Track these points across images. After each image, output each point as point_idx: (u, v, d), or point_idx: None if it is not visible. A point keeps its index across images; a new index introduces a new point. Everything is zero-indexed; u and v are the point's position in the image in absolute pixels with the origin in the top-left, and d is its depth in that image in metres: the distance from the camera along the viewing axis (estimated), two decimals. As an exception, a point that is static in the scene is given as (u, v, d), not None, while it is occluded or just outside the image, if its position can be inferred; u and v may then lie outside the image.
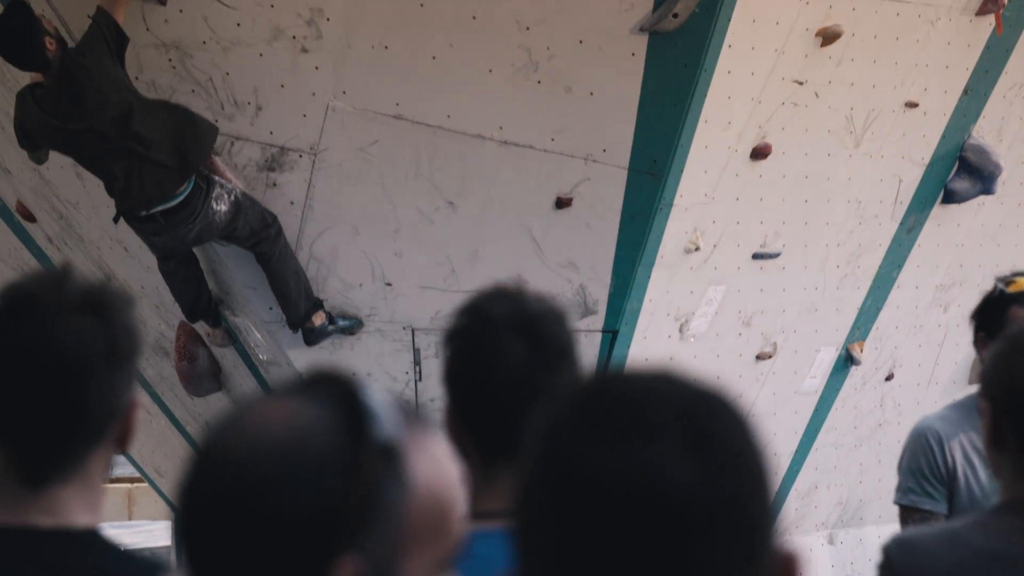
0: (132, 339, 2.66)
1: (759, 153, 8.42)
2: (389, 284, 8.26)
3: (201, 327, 8.85)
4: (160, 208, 7.48)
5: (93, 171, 7.54)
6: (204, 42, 7.67)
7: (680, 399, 1.69)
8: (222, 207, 7.60)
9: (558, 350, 2.88)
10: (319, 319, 8.06)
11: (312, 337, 8.09)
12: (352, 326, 8.22)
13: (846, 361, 9.56)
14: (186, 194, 7.48)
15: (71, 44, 7.27)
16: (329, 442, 1.72)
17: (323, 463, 1.71)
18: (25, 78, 7.67)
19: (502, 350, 2.84)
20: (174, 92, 7.70)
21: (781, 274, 8.95)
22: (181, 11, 7.59)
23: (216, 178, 7.65)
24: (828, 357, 9.46)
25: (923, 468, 4.98)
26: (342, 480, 1.71)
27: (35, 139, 7.51)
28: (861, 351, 9.52)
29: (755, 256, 8.78)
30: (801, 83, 8.35)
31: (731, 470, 1.66)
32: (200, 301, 8.15)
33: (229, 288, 8.33)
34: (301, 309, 8.00)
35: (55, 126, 7.29)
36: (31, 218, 9.32)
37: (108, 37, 7.16)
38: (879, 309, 9.52)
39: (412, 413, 1.79)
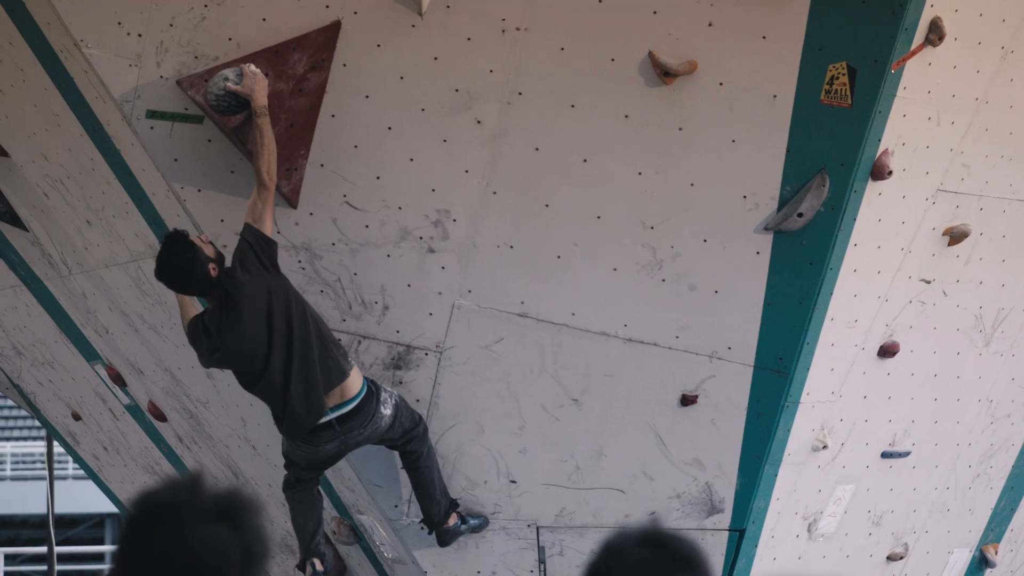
0: (263, 544, 2.70)
1: (887, 351, 8.36)
2: (514, 481, 8.25)
3: (326, 525, 8.87)
4: (336, 414, 7.54)
5: (267, 391, 7.55)
6: (333, 243, 7.82)
7: None
8: (387, 411, 7.68)
9: (679, 556, 3.05)
10: (453, 520, 8.09)
11: (447, 537, 8.09)
12: (481, 525, 8.22)
13: (980, 563, 9.34)
14: (360, 398, 7.56)
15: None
16: None
17: None
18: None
19: (626, 553, 3.04)
20: (304, 293, 7.83)
21: (911, 473, 8.81)
22: (311, 214, 7.75)
23: (381, 383, 7.75)
24: (961, 559, 9.26)
25: None
26: None
27: (209, 362, 7.60)
28: (996, 553, 9.31)
29: (884, 455, 8.66)
30: (928, 281, 8.31)
31: None
32: (317, 536, 8.08)
33: (354, 486, 8.35)
34: (443, 508, 8.02)
35: (217, 346, 7.40)
36: (162, 417, 9.45)
37: (257, 248, 7.27)
38: (1013, 510, 9.32)
39: None
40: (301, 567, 8.17)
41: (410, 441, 7.85)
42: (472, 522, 8.17)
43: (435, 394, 8.08)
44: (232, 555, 2.64)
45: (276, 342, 7.34)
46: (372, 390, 7.63)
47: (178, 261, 7.21)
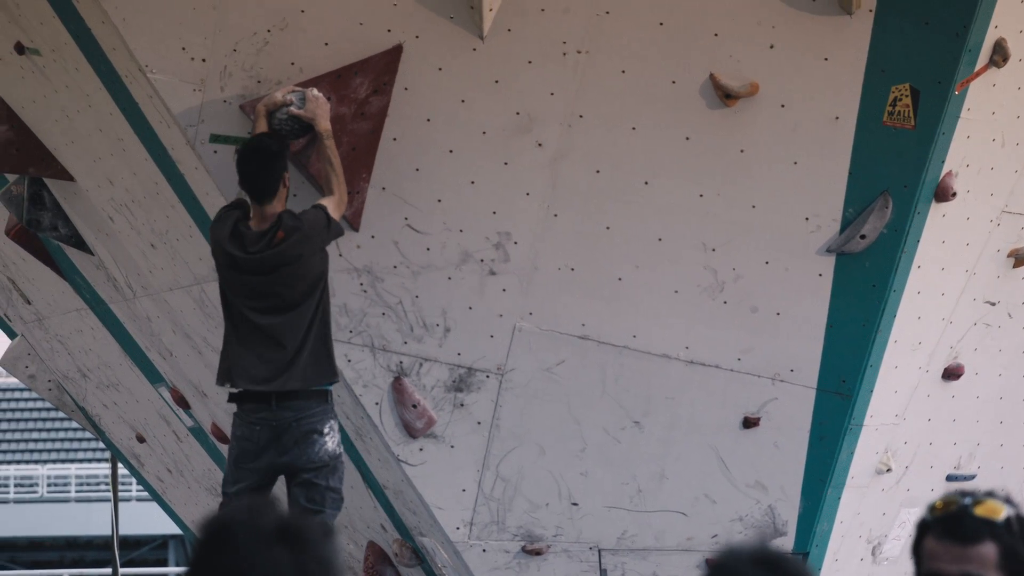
0: (326, 570, 2.70)
1: (951, 373, 8.30)
2: (575, 504, 8.23)
3: (388, 547, 8.89)
4: (276, 390, 7.34)
5: (236, 329, 7.33)
6: (395, 266, 7.84)
7: None
8: (328, 444, 7.36)
9: None
10: None
11: None
12: None
13: (1047, 587, 9.25)
14: (306, 391, 7.35)
15: None
16: None
17: None
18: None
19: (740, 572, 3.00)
20: (365, 315, 7.86)
21: (977, 496, 8.73)
22: (373, 237, 7.78)
23: (338, 420, 7.47)
24: (1028, 583, 9.17)
25: None
26: None
27: (214, 251, 7.42)
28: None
29: (949, 478, 8.60)
30: (993, 304, 8.25)
31: None
32: None
33: (416, 508, 8.36)
34: None
35: (233, 254, 7.27)
36: (225, 440, 9.49)
37: (330, 226, 7.29)
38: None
39: None
40: None
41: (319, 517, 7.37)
42: None
43: (496, 416, 8.08)
44: None
45: (284, 299, 7.23)
46: (326, 401, 7.36)
47: (272, 146, 7.22)
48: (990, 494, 3.38)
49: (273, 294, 7.30)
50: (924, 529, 3.33)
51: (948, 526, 3.27)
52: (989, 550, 3.26)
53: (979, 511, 3.31)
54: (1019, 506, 3.34)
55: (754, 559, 2.99)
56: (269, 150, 7.24)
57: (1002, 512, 3.31)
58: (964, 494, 3.36)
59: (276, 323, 7.30)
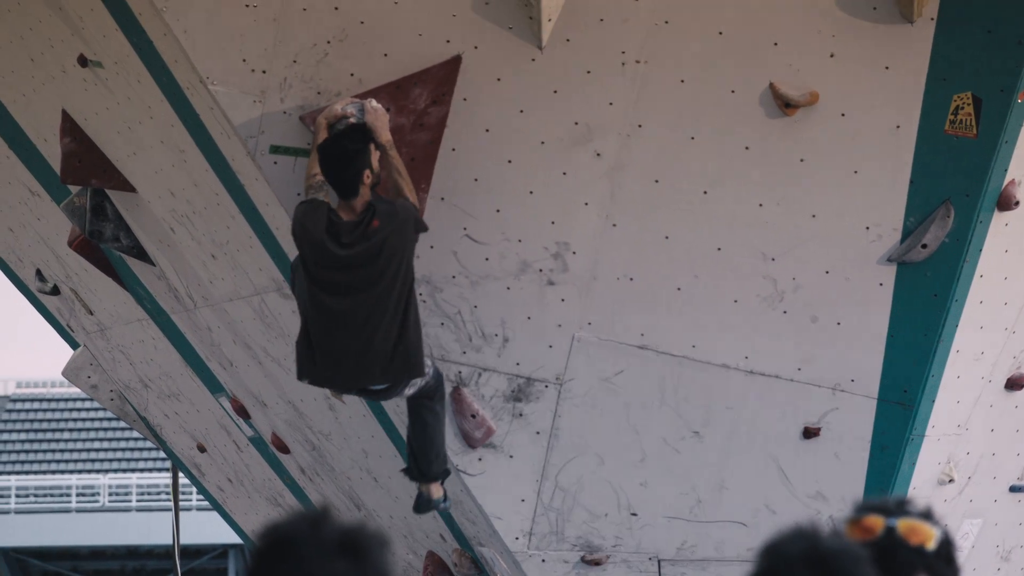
0: None
1: (1015, 384, 8.24)
2: (634, 514, 8.22)
3: (448, 557, 8.90)
4: (362, 386, 7.47)
5: (322, 325, 7.37)
6: (453, 276, 7.86)
7: None
8: (409, 391, 7.55)
9: None
10: (437, 492, 7.80)
11: (422, 506, 7.81)
12: (449, 505, 7.96)
13: (1112, 599, 9.16)
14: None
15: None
16: None
17: None
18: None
19: None
20: (424, 325, 7.87)
21: (1040, 508, 8.67)
22: (432, 247, 7.80)
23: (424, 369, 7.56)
24: (1092, 595, 9.08)
25: None
26: None
27: (301, 248, 7.40)
28: None
29: (1012, 489, 8.53)
30: (1057, 313, 8.18)
31: None
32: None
33: (475, 518, 8.37)
34: (433, 468, 7.73)
35: (331, 251, 7.27)
36: (285, 450, 9.54)
37: (417, 219, 7.35)
38: None
39: None
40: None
41: (422, 396, 7.65)
42: (448, 503, 7.90)
43: (555, 426, 8.08)
44: None
45: (376, 290, 7.25)
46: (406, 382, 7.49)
47: (349, 145, 7.23)
48: (904, 507, 3.04)
49: (357, 280, 7.29)
50: None
51: (876, 558, 2.90)
52: None
53: (910, 537, 2.99)
54: (940, 521, 3.04)
55: (806, 560, 2.79)
56: (345, 151, 7.25)
57: (932, 537, 3.01)
58: (884, 510, 3.03)
59: (356, 307, 7.29)
